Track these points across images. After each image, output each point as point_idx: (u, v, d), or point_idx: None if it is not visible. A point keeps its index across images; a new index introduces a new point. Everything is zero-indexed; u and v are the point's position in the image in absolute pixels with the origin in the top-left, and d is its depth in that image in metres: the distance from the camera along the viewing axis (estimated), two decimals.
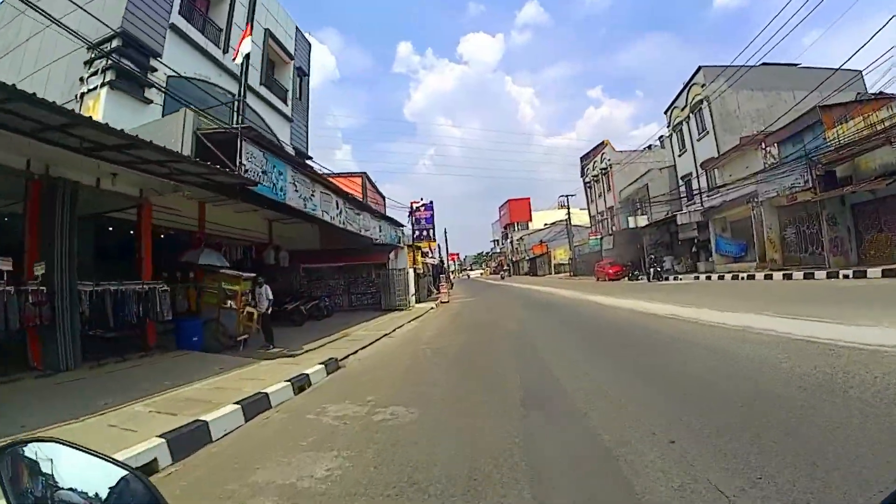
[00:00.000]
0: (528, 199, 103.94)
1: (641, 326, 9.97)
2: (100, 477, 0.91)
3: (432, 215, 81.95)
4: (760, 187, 22.57)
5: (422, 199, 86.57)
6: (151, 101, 14.61)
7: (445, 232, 76.66)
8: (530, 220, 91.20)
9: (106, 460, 0.94)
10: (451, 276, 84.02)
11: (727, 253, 26.41)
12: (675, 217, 29.37)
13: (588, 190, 50.44)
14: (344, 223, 15.46)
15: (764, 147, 23.85)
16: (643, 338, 8.44)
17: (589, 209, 52.70)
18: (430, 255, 38.52)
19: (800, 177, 20.29)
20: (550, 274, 63.89)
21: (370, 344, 11.25)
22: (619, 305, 14.79)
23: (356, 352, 10.12)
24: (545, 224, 74.08)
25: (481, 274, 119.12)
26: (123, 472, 0.94)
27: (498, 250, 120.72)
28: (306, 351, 10.45)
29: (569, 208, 49.99)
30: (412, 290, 23.85)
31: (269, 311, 11.35)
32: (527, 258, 77.13)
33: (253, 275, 11.29)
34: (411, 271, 24.30)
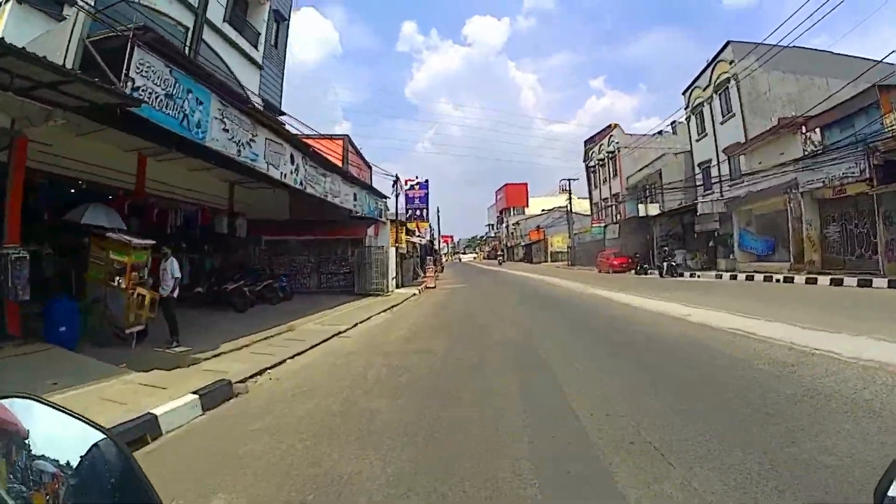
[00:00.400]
0: (526, 184, 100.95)
1: (705, 347, 6.90)
2: (74, 439, 0.88)
3: (427, 195, 78.07)
4: (802, 176, 19.49)
5: (417, 178, 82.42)
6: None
7: (438, 211, 73.31)
8: (527, 205, 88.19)
9: (84, 422, 0.90)
10: (443, 259, 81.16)
11: (751, 250, 23.45)
12: (696, 206, 26.29)
13: (591, 175, 47.23)
14: (302, 184, 12.23)
15: (804, 131, 20.73)
16: (730, 377, 5.32)
17: (591, 196, 49.56)
18: (417, 234, 35.26)
19: (853, 165, 17.21)
20: (546, 262, 60.94)
21: (312, 347, 8.15)
22: (644, 307, 11.78)
23: (283, 361, 7.01)
24: (542, 210, 70.97)
25: (474, 258, 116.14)
26: (100, 436, 0.89)
27: (492, 235, 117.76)
28: (218, 354, 7.35)
29: (570, 192, 46.84)
30: (392, 272, 20.76)
31: (175, 294, 8.18)
32: (522, 244, 74.10)
33: (151, 242, 8.07)
34: (392, 251, 21.17)
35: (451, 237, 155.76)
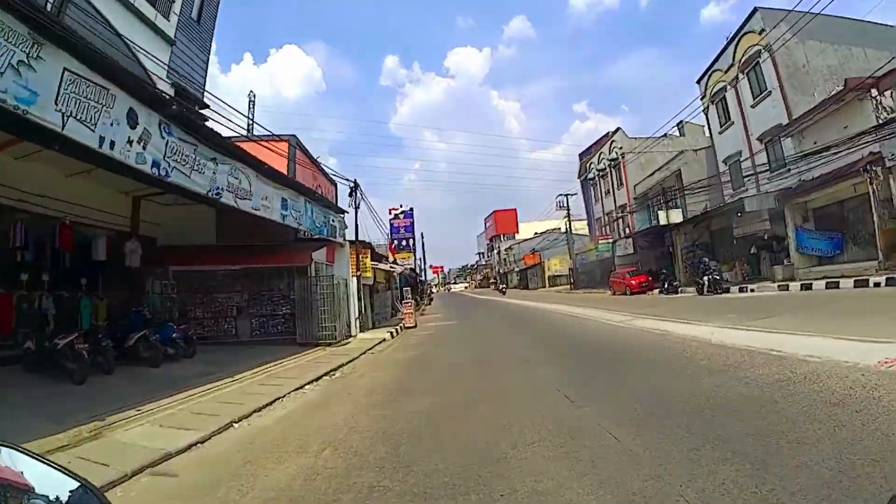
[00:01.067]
0: (515, 209, 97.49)
1: None
2: (53, 487, 0.90)
3: (412, 223, 72.82)
4: (890, 146, 14.76)
5: (401, 206, 76.88)
6: None
7: (423, 237, 68.41)
8: (517, 231, 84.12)
9: (61, 471, 0.94)
10: (431, 290, 75.81)
11: (814, 251, 18.51)
12: (733, 205, 21.42)
13: (591, 188, 42.66)
14: (159, 166, 7.02)
15: (875, 94, 16.19)
16: None
17: (589, 212, 44.94)
18: (389, 260, 30.00)
19: None
20: (545, 287, 55.83)
21: None
22: (765, 344, 6.57)
23: None
24: (535, 233, 66.25)
25: (465, 287, 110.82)
26: (76, 484, 0.93)
27: (483, 263, 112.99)
28: None
29: (568, 209, 42.14)
30: (354, 311, 15.48)
31: None
32: (516, 270, 69.03)
33: None
34: (353, 281, 15.87)
35: (441, 267, 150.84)
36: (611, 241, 33.83)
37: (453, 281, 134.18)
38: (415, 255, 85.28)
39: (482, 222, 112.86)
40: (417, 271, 71.66)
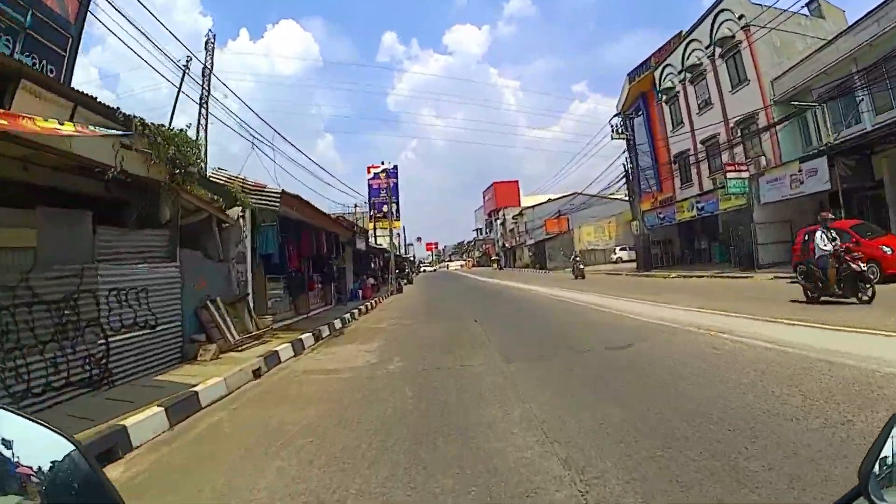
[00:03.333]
0: (517, 181, 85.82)
1: None
2: (43, 448, 0.88)
3: (396, 185, 57.27)
4: None
5: (383, 163, 60.67)
6: None
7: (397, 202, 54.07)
8: (519, 205, 69.01)
9: (53, 431, 0.90)
10: (411, 268, 60.60)
11: None
12: None
13: (661, 111, 26.99)
14: None
15: None
16: None
17: (656, 149, 29.26)
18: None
19: None
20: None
21: None
22: None
23: None
24: (549, 199, 50.74)
25: (461, 266, 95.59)
26: (68, 446, 0.90)
27: (482, 238, 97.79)
28: None
29: (632, 135, 26.62)
30: None
31: None
32: (529, 243, 53.48)
33: None
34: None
35: (436, 244, 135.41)
36: (745, 175, 18.10)
37: (448, 258, 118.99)
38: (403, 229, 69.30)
39: (480, 196, 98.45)
40: (395, 243, 56.31)
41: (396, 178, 68.02)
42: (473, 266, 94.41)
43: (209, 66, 31.28)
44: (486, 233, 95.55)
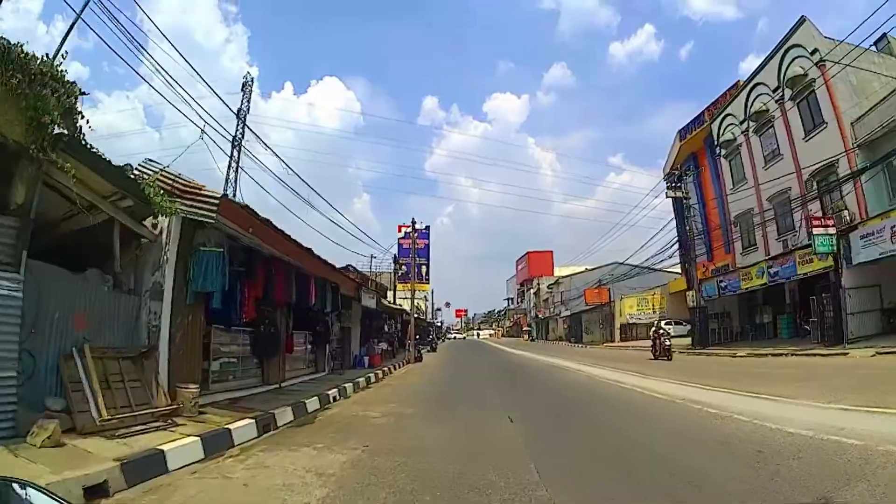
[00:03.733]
0: (551, 252, 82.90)
1: None
2: None
3: (428, 246, 55.07)
4: None
5: (414, 222, 56.96)
6: None
7: (428, 263, 52.28)
8: (553, 275, 65.99)
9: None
10: (436, 335, 57.23)
11: None
12: None
13: (720, 166, 24.38)
14: None
15: None
16: None
17: (706, 217, 26.38)
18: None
19: None
20: (613, 341, 36.79)
21: None
22: None
23: None
24: (586, 269, 47.58)
25: (490, 335, 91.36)
26: None
27: (513, 307, 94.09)
28: None
29: (680, 188, 24.00)
30: None
31: None
32: (563, 314, 49.77)
33: None
34: None
35: (465, 311, 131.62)
36: (833, 232, 14.80)
37: (477, 327, 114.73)
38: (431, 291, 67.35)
39: (514, 264, 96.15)
40: (421, 307, 53.46)
41: (428, 238, 66.28)
42: (503, 336, 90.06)
43: (245, 109, 30.83)
44: (518, 303, 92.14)
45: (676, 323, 35.53)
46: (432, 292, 61.24)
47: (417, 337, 38.77)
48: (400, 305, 32.01)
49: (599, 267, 47.66)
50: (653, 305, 39.51)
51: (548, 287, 56.10)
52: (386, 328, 27.09)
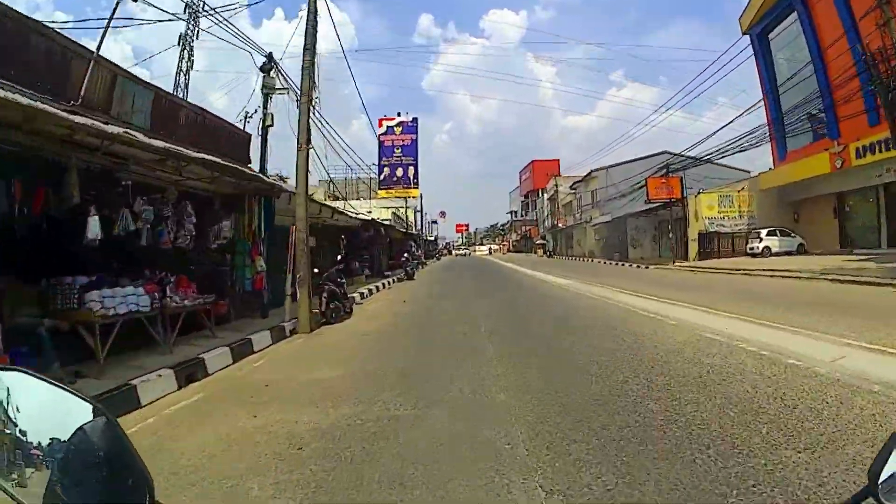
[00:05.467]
0: (557, 160, 71.12)
1: None
2: (65, 414, 0.85)
3: (415, 141, 42.51)
4: None
5: (399, 114, 39.22)
6: None
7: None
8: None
9: (77, 397, 0.88)
10: (426, 253, 45.29)
11: None
12: None
13: None
14: None
15: None
16: None
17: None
18: None
19: None
20: (687, 257, 24.43)
21: None
22: None
23: None
24: (634, 158, 33.79)
25: (491, 251, 79.92)
26: (91, 411, 0.86)
27: (519, 219, 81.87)
28: None
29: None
30: None
31: None
32: (595, 222, 36.69)
33: None
34: None
35: (467, 226, 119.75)
36: None
37: (479, 242, 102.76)
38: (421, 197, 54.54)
39: (517, 175, 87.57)
40: (405, 219, 40.41)
41: (416, 133, 51.80)
42: (509, 251, 78.26)
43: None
44: (523, 214, 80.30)
45: (782, 233, 23.27)
46: (421, 197, 47.97)
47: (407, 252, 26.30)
48: (362, 215, 18.74)
49: (647, 156, 34.11)
50: (738, 207, 26.45)
51: (571, 187, 42.46)
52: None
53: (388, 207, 39.09)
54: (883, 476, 0.76)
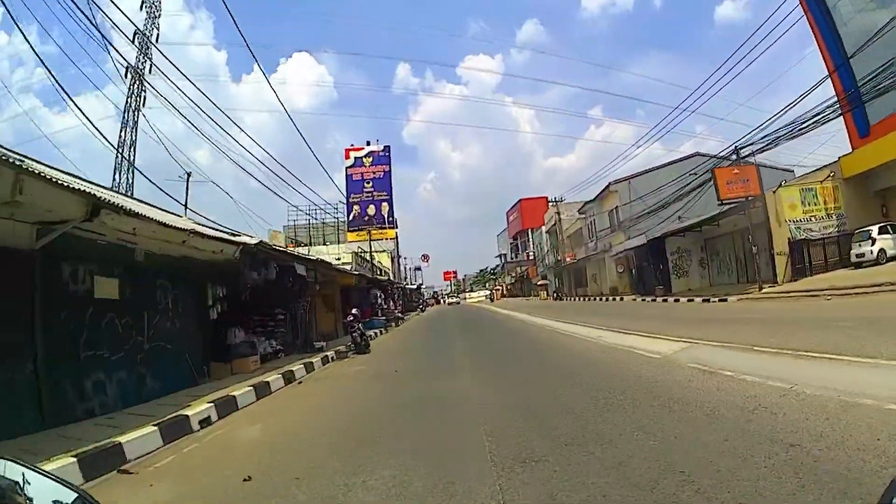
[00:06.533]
0: (545, 197, 66.07)
1: None
2: (51, 498, 0.91)
3: (388, 173, 44.15)
4: None
5: (369, 143, 25.29)
6: None
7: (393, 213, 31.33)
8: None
9: (58, 482, 0.94)
10: (407, 303, 37.61)
11: None
12: None
13: None
14: None
15: None
16: None
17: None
18: None
19: None
20: (776, 280, 16.92)
21: None
22: None
23: None
24: (665, 164, 27.04)
25: (481, 299, 71.96)
26: (73, 495, 0.93)
27: (512, 261, 75.03)
28: None
29: None
30: None
31: None
32: (618, 250, 29.32)
33: None
34: None
35: (454, 273, 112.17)
36: None
37: (469, 289, 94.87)
38: (397, 238, 47.99)
39: (504, 216, 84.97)
40: (371, 261, 32.25)
41: (389, 164, 44.49)
42: (503, 296, 70.55)
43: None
44: (513, 256, 77.17)
45: (894, 230, 16.45)
46: (397, 238, 40.29)
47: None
48: (245, 237, 10.51)
49: (677, 160, 27.46)
50: (824, 203, 19.43)
51: (580, 211, 35.28)
52: None
53: (358, 253, 31.25)
54: None
